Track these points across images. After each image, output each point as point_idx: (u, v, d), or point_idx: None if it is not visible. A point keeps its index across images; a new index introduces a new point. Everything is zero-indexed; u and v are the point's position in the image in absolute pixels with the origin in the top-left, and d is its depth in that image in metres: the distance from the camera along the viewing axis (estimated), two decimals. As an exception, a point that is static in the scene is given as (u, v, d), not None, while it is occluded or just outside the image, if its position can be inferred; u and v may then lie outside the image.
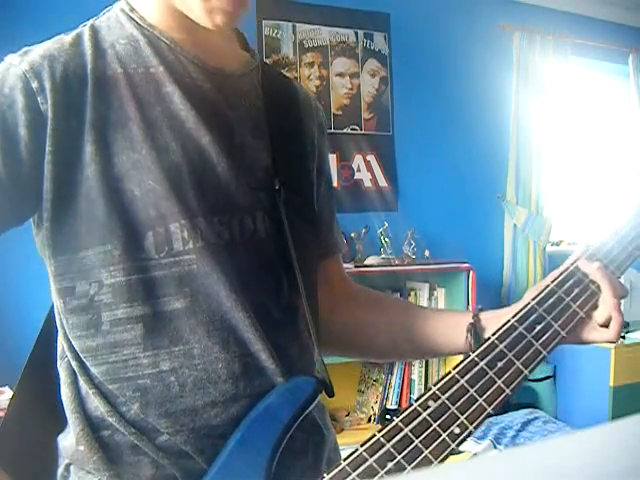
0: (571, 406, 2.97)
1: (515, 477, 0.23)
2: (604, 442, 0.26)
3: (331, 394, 0.69)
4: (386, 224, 2.77)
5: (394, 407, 2.70)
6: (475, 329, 0.75)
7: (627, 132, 3.66)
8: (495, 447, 2.51)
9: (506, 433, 2.61)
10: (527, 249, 3.19)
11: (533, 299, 0.69)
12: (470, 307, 2.62)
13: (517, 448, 0.27)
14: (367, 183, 2.90)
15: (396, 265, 2.64)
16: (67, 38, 0.67)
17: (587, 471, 0.23)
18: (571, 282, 0.71)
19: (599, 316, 0.70)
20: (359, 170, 2.88)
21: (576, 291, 0.71)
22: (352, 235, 2.68)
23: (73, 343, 0.66)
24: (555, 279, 0.71)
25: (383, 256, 2.72)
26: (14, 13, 2.18)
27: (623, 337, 2.93)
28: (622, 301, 0.71)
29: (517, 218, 3.18)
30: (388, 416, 2.63)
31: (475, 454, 2.29)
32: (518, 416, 2.73)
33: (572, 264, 0.73)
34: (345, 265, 2.74)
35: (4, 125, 0.61)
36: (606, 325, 0.70)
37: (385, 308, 0.86)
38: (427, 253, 2.80)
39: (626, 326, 3.07)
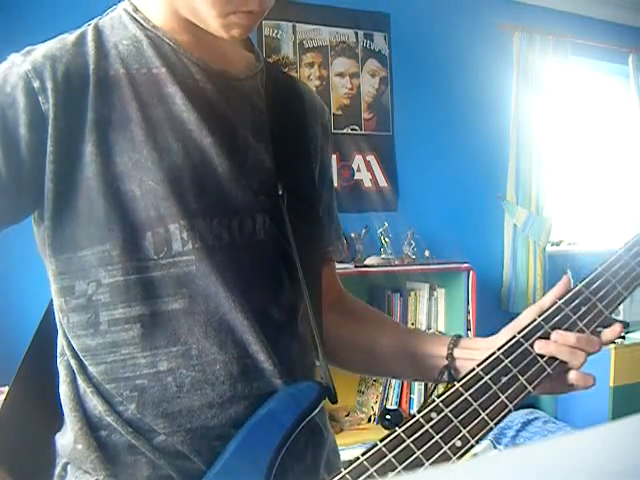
0: (571, 406, 2.97)
1: (515, 477, 0.23)
2: (604, 442, 0.26)
3: (334, 401, 0.69)
4: (386, 224, 2.77)
5: (394, 407, 2.70)
6: (449, 370, 0.75)
7: (627, 132, 3.66)
8: (495, 447, 2.51)
9: (506, 433, 2.61)
10: (527, 249, 3.19)
11: (539, 316, 0.69)
12: (470, 307, 2.63)
13: (517, 448, 0.27)
14: (367, 183, 2.90)
15: (396, 265, 2.64)
16: (70, 38, 0.67)
17: (587, 471, 0.22)
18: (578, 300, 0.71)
19: (571, 377, 0.69)
20: (359, 170, 2.88)
21: (583, 309, 0.70)
22: (352, 235, 2.68)
23: (72, 342, 0.66)
24: (562, 297, 0.71)
25: (383, 256, 2.72)
26: (16, 12, 2.18)
27: (623, 337, 2.93)
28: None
29: (517, 218, 3.18)
30: (388, 416, 2.63)
31: (475, 454, 2.29)
32: (518, 416, 2.73)
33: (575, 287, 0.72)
34: (345, 265, 2.73)
35: (5, 125, 0.61)
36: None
37: (371, 323, 0.85)
38: (427, 253, 2.80)
39: (626, 326, 3.06)
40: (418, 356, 0.79)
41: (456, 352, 0.76)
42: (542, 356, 0.66)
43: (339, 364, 0.85)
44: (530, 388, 0.64)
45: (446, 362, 0.76)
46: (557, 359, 0.67)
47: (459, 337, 0.78)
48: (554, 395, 0.74)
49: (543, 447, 0.25)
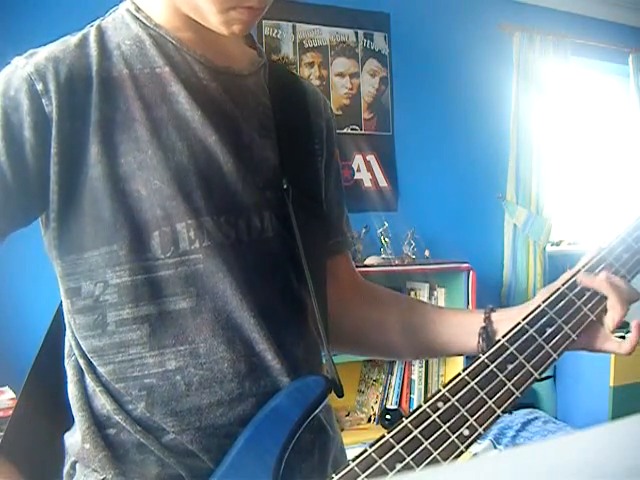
0: (571, 406, 2.96)
1: (515, 477, 0.23)
2: (604, 442, 0.26)
3: (340, 394, 0.69)
4: (386, 224, 2.76)
5: (394, 407, 2.69)
6: (487, 333, 0.75)
7: (627, 132, 3.66)
8: (495, 447, 2.51)
9: (506, 433, 2.61)
10: (527, 249, 3.19)
11: (544, 301, 0.70)
12: (470, 307, 2.62)
13: (517, 448, 0.27)
14: (367, 183, 2.89)
15: (396, 265, 2.64)
16: (73, 39, 0.67)
17: (587, 471, 0.23)
18: (582, 286, 0.72)
19: (608, 321, 0.70)
20: (359, 170, 2.88)
21: (587, 294, 0.71)
22: (352, 235, 2.67)
23: (80, 343, 0.67)
24: (566, 282, 0.71)
25: (383, 256, 2.72)
26: (19, 14, 2.18)
27: (623, 337, 2.92)
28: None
29: (517, 218, 3.18)
30: (388, 416, 2.63)
31: (475, 454, 2.29)
32: (518, 416, 2.73)
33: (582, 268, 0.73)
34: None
35: (10, 128, 0.62)
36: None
37: (396, 306, 0.86)
38: (427, 253, 2.80)
39: (626, 326, 3.06)
40: (454, 325, 0.79)
41: (493, 315, 0.76)
42: (548, 342, 0.67)
43: (372, 351, 0.88)
44: (536, 375, 0.65)
45: (484, 324, 0.76)
46: (565, 347, 0.67)
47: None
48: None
49: (543, 447, 0.25)
